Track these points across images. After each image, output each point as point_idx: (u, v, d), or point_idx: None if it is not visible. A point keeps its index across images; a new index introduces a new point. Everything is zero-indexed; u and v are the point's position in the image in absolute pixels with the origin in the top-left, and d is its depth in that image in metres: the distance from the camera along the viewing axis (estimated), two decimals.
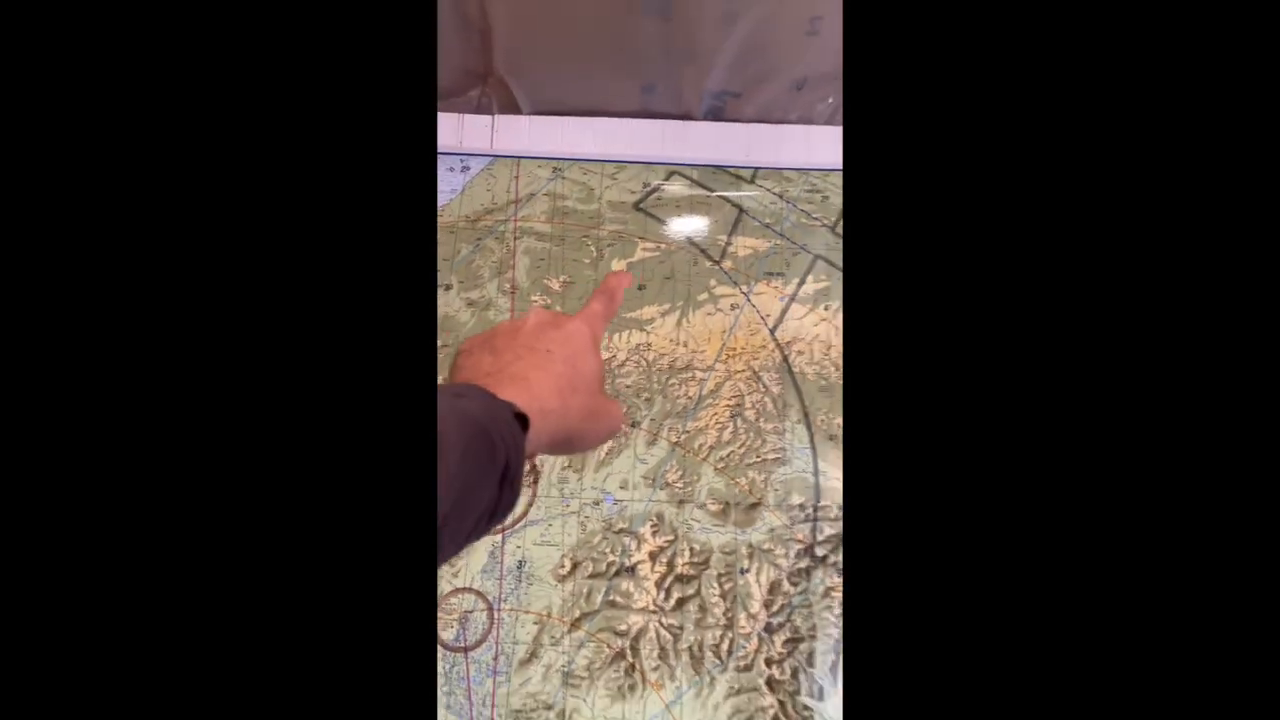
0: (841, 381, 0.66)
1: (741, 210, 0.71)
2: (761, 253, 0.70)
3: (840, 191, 0.70)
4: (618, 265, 0.69)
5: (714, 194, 0.71)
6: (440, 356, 0.65)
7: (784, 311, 0.69)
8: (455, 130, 0.70)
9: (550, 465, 0.64)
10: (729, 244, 0.70)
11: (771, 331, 0.68)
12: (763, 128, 0.71)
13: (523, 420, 0.30)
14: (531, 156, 0.71)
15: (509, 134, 0.71)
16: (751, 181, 0.72)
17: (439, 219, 0.69)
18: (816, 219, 0.71)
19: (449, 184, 0.70)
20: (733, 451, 0.65)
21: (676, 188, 0.71)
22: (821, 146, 0.71)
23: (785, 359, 0.68)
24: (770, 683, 0.61)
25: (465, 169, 0.70)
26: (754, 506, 0.64)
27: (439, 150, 0.70)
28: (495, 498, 0.28)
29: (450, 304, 0.67)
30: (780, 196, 0.71)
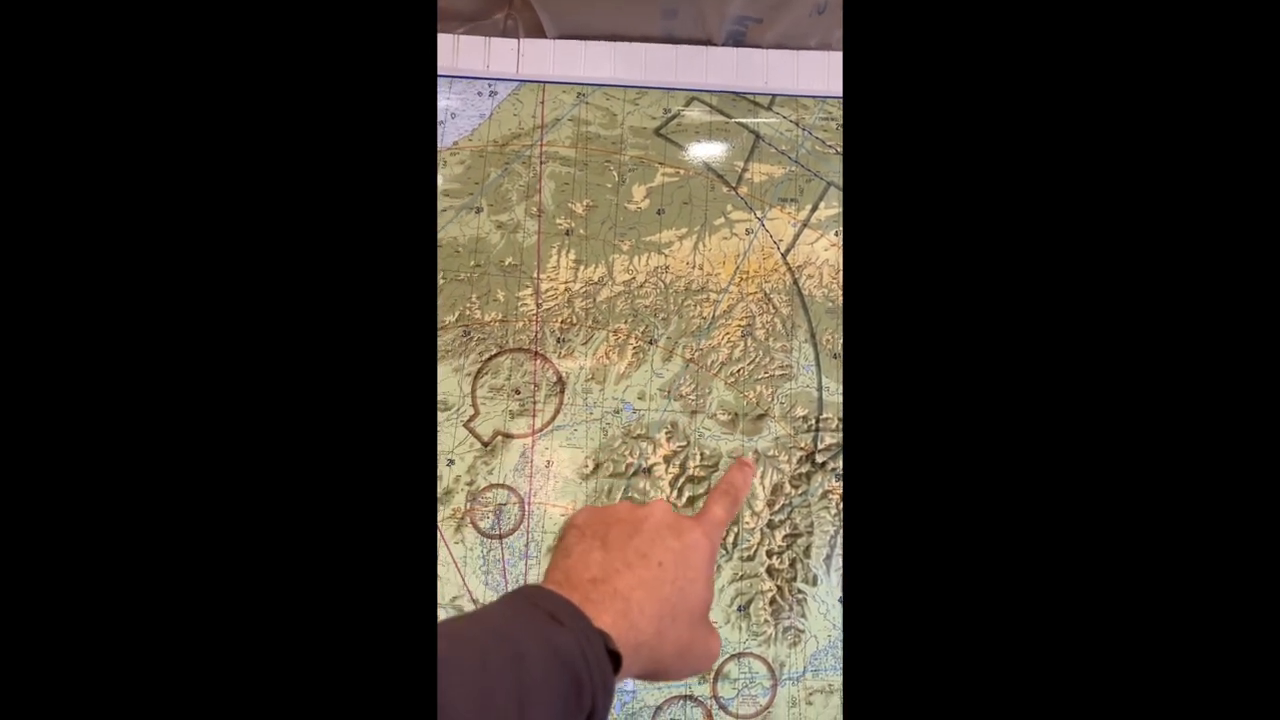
0: None
1: (758, 137, 0.73)
2: (776, 179, 0.73)
3: None
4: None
5: (732, 120, 0.74)
6: (471, 276, 0.71)
7: (796, 237, 0.72)
8: (482, 54, 0.73)
9: (575, 377, 0.70)
10: (745, 170, 0.73)
11: (783, 256, 0.72)
12: (782, 54, 0.73)
13: (615, 657, 0.28)
14: (556, 81, 0.73)
15: (534, 58, 0.73)
16: (769, 108, 0.74)
17: (469, 143, 0.72)
18: (831, 146, 0.73)
19: (477, 109, 0.73)
20: (743, 368, 0.71)
21: (696, 114, 0.74)
22: (839, 73, 0.73)
23: (796, 282, 0.72)
24: (770, 570, 0.69)
25: (493, 93, 0.73)
26: (761, 417, 0.70)
27: (466, 75, 0.73)
28: None
29: (481, 226, 0.71)
30: (796, 124, 0.74)
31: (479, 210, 0.71)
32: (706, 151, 0.73)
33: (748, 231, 0.72)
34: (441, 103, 0.72)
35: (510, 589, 0.69)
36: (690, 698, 0.67)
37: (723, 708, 0.67)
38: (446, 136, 0.72)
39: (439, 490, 0.68)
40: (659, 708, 0.67)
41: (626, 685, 0.66)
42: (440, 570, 0.67)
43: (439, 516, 0.67)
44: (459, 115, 0.73)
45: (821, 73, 0.73)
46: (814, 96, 0.73)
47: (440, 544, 0.67)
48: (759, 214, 0.72)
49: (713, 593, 0.34)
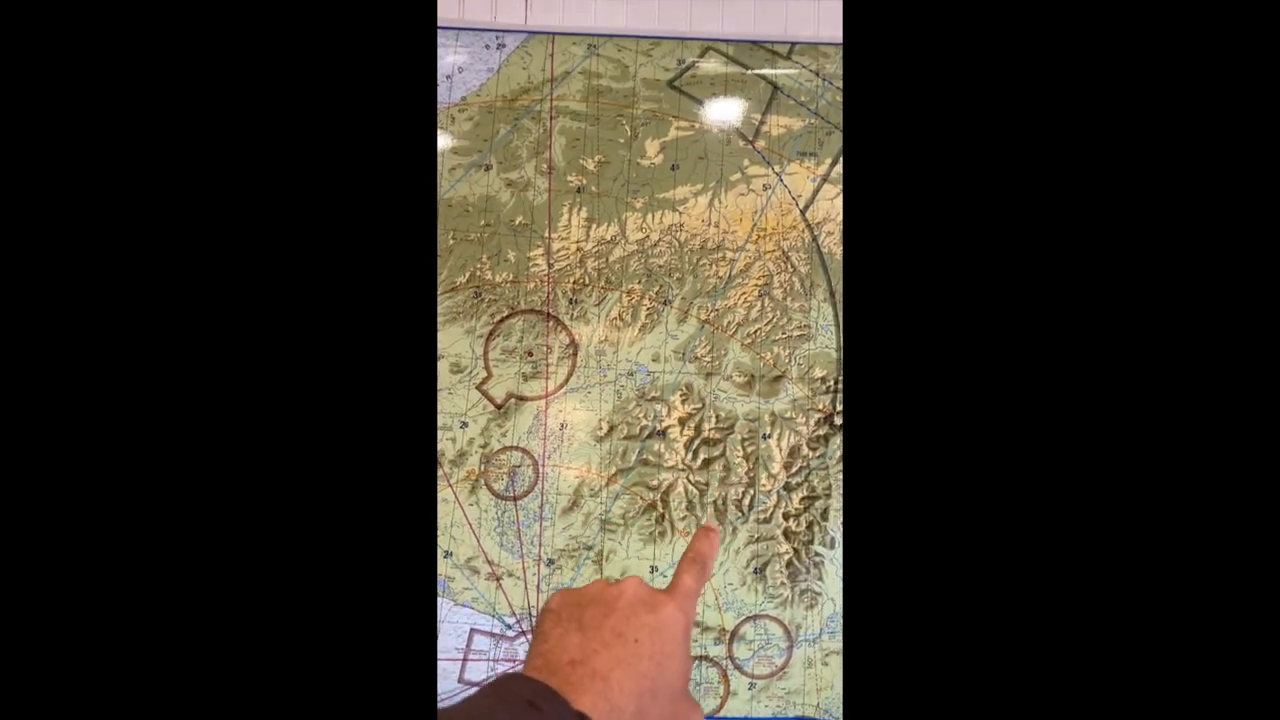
0: None
1: (776, 88, 0.71)
2: (795, 132, 0.70)
3: None
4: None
5: (750, 71, 0.71)
6: (481, 236, 0.69)
7: (815, 192, 0.70)
8: (489, 5, 0.70)
9: (588, 339, 0.69)
10: (763, 123, 0.70)
11: (802, 212, 0.70)
12: (802, 0, 0.69)
13: None
14: (566, 32, 0.71)
15: (542, 8, 0.70)
16: (788, 58, 0.71)
17: (477, 99, 0.70)
18: None
19: (485, 62, 0.71)
20: (760, 328, 0.69)
21: (711, 65, 0.71)
22: None
23: (815, 239, 0.70)
24: (787, 533, 0.68)
25: (500, 46, 0.71)
26: (778, 379, 0.69)
27: (473, 26, 0.70)
28: None
29: (491, 185, 0.70)
30: (816, 74, 0.71)
31: (488, 168, 0.70)
32: (722, 104, 0.70)
33: (765, 187, 0.70)
34: (449, 58, 0.70)
35: (523, 551, 0.69)
36: (706, 659, 0.67)
37: (738, 668, 0.67)
38: (454, 92, 0.70)
39: (453, 453, 0.68)
40: None
41: None
42: (455, 532, 0.67)
43: (454, 479, 0.67)
44: (466, 70, 0.70)
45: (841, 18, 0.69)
46: (835, 44, 0.70)
47: (455, 506, 0.67)
48: (777, 169, 0.70)
49: (690, 664, 0.35)
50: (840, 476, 0.68)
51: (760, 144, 0.70)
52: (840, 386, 0.69)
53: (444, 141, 0.70)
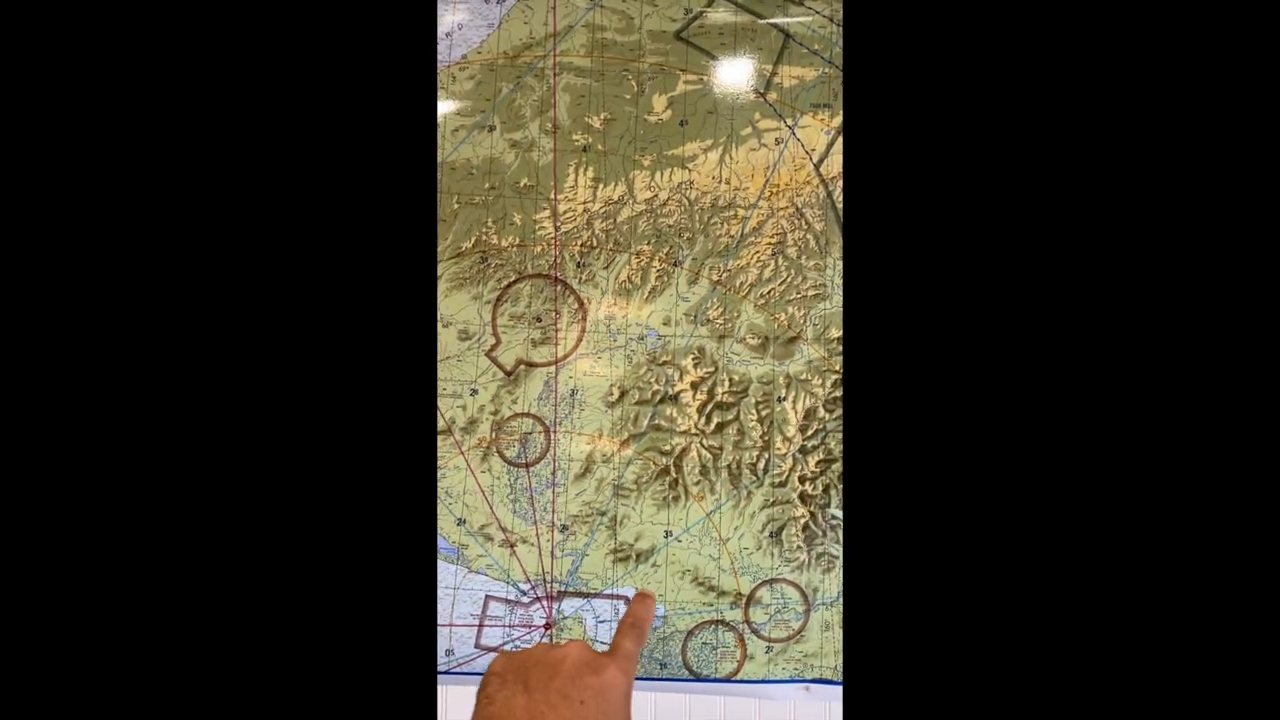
0: None
1: (788, 36, 0.68)
2: (808, 83, 0.67)
3: None
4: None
5: (761, 20, 0.68)
6: (486, 200, 0.68)
7: (830, 145, 0.67)
8: None
9: (597, 304, 0.67)
10: (774, 74, 0.68)
11: (816, 167, 0.67)
12: None
13: None
14: None
15: None
16: (800, 3, 0.67)
17: (478, 56, 0.68)
18: None
19: (485, 17, 0.68)
20: (773, 288, 0.68)
21: (720, 14, 0.68)
22: None
23: (829, 195, 0.67)
24: (803, 497, 0.67)
25: (501, 0, 0.68)
26: (793, 340, 0.67)
27: None
28: None
29: (495, 146, 0.68)
30: (830, 19, 0.67)
31: (491, 129, 0.68)
32: (732, 55, 0.68)
33: (777, 141, 0.67)
34: (449, 17, 0.68)
35: (537, 518, 0.69)
36: (722, 622, 0.66)
37: (755, 632, 0.67)
38: (455, 50, 0.68)
39: (463, 420, 0.67)
40: (690, 632, 0.66)
41: (659, 609, 0.66)
42: (468, 500, 0.67)
43: (465, 446, 0.67)
44: (466, 27, 0.68)
45: None
46: None
47: (467, 474, 0.67)
48: (789, 122, 0.67)
49: None
50: None
51: (772, 96, 0.67)
52: None
53: (445, 102, 0.68)
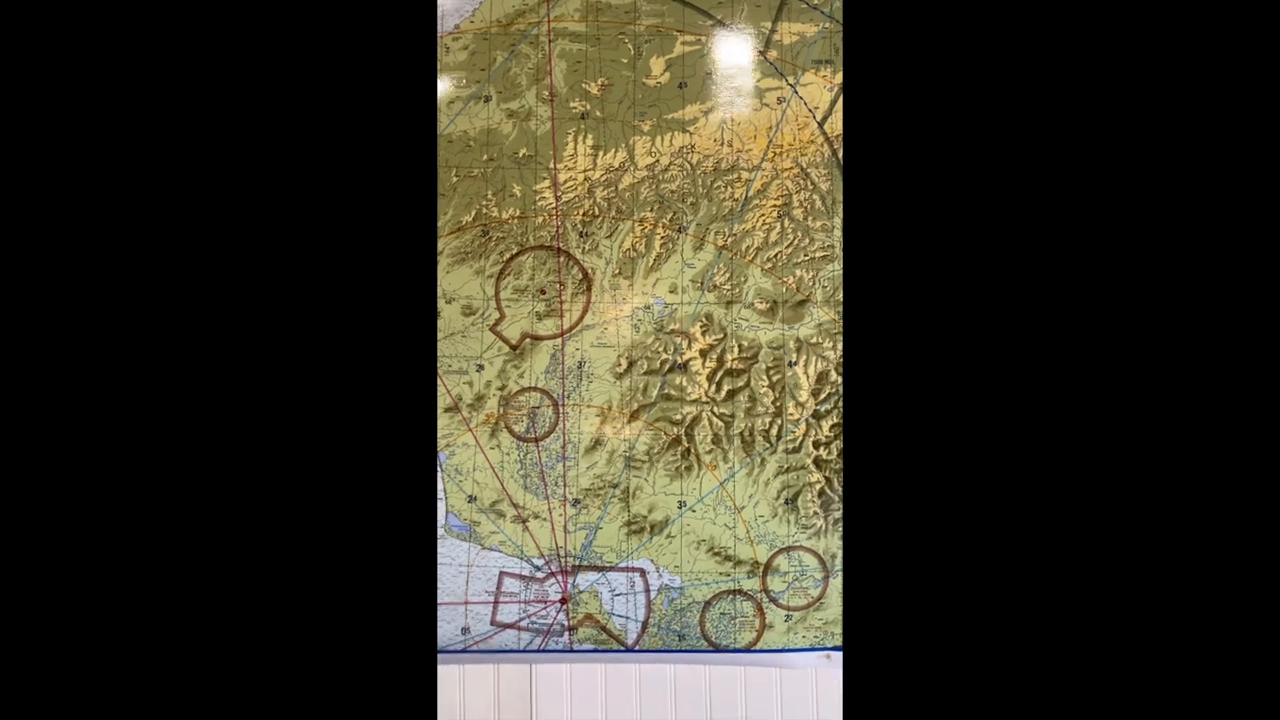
0: None
1: None
2: (809, 39, 0.66)
3: None
4: (655, 63, 0.66)
5: None
6: (485, 172, 0.67)
7: (833, 103, 0.66)
8: None
9: (601, 274, 0.66)
10: (774, 31, 0.66)
11: (820, 125, 0.66)
12: None
13: None
14: None
15: None
16: None
17: (471, 25, 0.67)
18: None
19: None
20: (780, 251, 0.66)
21: None
22: None
23: (834, 153, 0.66)
24: (817, 462, 0.66)
25: None
26: (802, 303, 0.66)
27: None
28: None
29: (491, 116, 0.67)
30: None
31: (487, 99, 0.67)
32: (730, 12, 0.66)
33: (780, 101, 0.66)
34: None
35: (548, 492, 0.68)
36: (740, 592, 0.66)
37: (773, 600, 0.66)
38: (447, 20, 0.67)
39: (470, 396, 0.66)
40: (708, 602, 0.66)
41: (675, 581, 0.66)
42: (479, 477, 0.66)
43: (473, 423, 0.66)
44: None
45: None
46: None
47: (476, 450, 0.66)
48: (791, 80, 0.66)
49: None
50: None
51: (772, 54, 0.66)
52: None
53: (440, 75, 0.67)
